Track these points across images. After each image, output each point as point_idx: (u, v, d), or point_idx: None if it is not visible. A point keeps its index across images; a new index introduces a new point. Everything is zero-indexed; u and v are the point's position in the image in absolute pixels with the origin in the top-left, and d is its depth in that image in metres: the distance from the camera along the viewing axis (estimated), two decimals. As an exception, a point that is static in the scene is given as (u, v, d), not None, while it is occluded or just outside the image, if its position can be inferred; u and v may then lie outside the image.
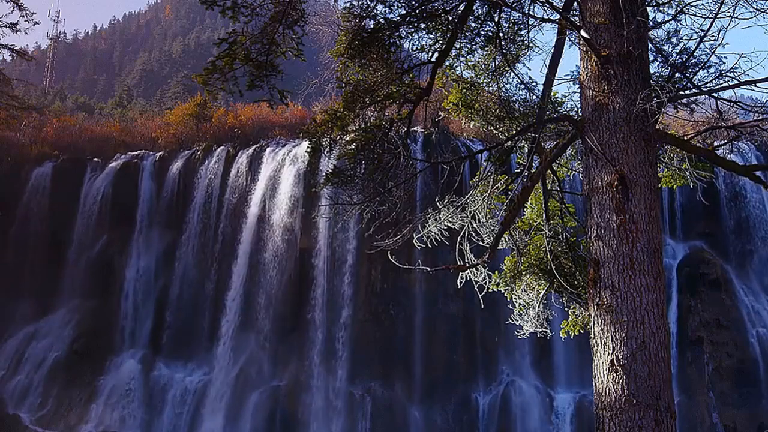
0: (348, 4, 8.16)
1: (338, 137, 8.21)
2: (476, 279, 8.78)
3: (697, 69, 6.89)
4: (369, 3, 8.12)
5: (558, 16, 7.81)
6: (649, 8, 7.10)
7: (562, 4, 8.07)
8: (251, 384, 29.76)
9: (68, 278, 34.22)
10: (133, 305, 33.28)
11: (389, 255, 8.28)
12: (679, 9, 7.13)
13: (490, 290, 8.97)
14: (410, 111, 8.49)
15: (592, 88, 6.78)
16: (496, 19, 8.46)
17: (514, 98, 8.81)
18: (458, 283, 8.85)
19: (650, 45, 7.15)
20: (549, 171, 8.35)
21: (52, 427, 29.38)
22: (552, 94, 8.27)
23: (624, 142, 6.46)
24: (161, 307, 32.97)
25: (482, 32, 8.59)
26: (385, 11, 8.27)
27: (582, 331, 8.56)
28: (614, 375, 5.93)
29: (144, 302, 33.36)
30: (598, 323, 6.22)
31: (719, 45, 6.64)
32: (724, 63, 6.64)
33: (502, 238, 8.46)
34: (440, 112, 10.46)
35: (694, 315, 28.62)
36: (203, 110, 40.44)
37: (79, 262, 34.66)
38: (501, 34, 8.49)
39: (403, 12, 8.25)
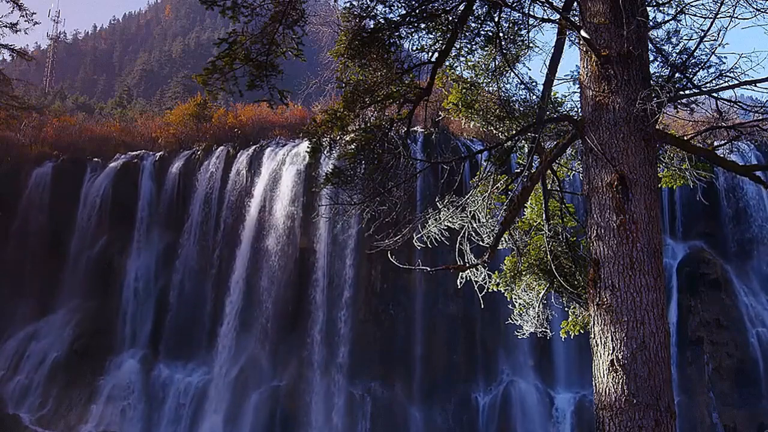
0: (348, 4, 8.17)
1: (338, 137, 8.21)
2: (476, 279, 8.78)
3: (697, 69, 6.89)
4: (369, 3, 8.12)
5: (558, 16, 7.81)
6: (649, 8, 7.10)
7: (562, 4, 8.07)
8: (251, 384, 29.74)
9: (68, 278, 34.20)
10: (133, 305, 33.25)
11: (389, 255, 8.27)
12: (679, 9, 7.13)
13: (490, 290, 8.97)
14: (410, 111, 8.49)
15: (592, 88, 6.78)
16: (496, 19, 8.47)
17: (514, 98, 8.81)
18: (458, 283, 8.84)
19: (650, 45, 7.15)
20: (549, 171, 8.35)
21: (52, 427, 29.36)
22: (552, 94, 8.27)
23: (624, 142, 6.46)
24: (161, 307, 32.95)
25: (482, 32, 8.59)
26: (385, 11, 8.28)
27: (582, 331, 8.56)
28: (614, 375, 5.93)
29: (144, 302, 33.33)
30: (598, 323, 6.23)
31: (719, 45, 6.65)
32: (724, 63, 6.65)
33: (502, 238, 8.46)
34: (440, 112, 10.46)
35: (694, 315, 28.61)
36: (203, 110, 40.38)
37: (79, 262, 34.65)
38: (501, 34, 8.49)
39: (403, 12, 8.25)
